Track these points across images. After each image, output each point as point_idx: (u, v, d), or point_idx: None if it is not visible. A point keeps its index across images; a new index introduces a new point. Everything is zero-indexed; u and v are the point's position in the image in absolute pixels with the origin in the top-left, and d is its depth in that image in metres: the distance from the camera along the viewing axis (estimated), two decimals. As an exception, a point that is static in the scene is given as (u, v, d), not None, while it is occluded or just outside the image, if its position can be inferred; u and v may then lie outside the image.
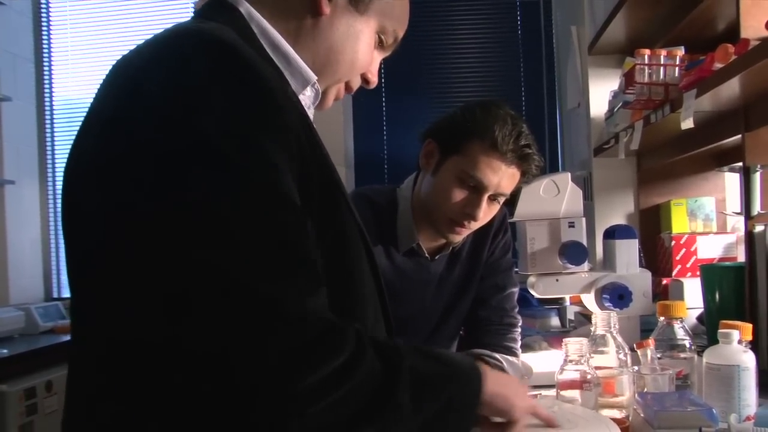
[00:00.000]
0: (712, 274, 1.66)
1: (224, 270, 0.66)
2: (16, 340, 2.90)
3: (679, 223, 2.27)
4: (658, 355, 1.24)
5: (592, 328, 1.26)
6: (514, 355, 1.65)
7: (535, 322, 2.23)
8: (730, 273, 1.61)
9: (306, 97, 0.92)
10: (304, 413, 0.65)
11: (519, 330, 1.70)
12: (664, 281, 2.01)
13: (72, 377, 0.82)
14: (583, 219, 1.67)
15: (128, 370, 0.72)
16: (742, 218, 1.64)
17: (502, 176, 1.44)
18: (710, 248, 2.06)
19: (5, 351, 2.60)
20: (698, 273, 1.74)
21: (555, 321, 2.26)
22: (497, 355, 1.60)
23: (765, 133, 1.54)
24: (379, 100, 3.64)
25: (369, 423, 0.70)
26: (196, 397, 0.67)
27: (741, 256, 1.96)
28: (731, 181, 2.30)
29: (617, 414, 1.15)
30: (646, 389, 1.20)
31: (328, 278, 0.76)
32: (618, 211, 2.53)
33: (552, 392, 1.21)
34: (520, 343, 1.70)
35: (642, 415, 1.14)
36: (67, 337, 2.90)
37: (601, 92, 2.52)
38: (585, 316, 2.10)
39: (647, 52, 1.82)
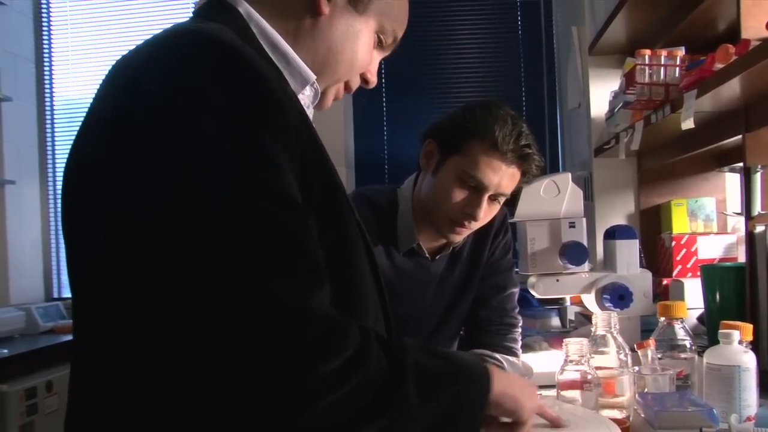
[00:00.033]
0: (712, 274, 1.66)
1: (226, 268, 0.66)
2: (16, 340, 2.90)
3: (680, 223, 2.27)
4: (659, 356, 1.24)
5: (593, 329, 1.26)
6: (515, 355, 1.65)
7: (535, 322, 2.23)
8: (731, 273, 1.61)
9: (305, 97, 0.92)
10: (311, 409, 0.65)
11: (519, 330, 1.70)
12: (665, 281, 2.01)
13: (74, 377, 0.82)
14: (584, 219, 1.67)
15: (129, 370, 0.72)
16: (742, 219, 1.64)
17: (502, 176, 1.44)
18: (711, 248, 2.06)
19: (6, 351, 2.60)
20: (699, 273, 1.74)
21: (555, 321, 2.26)
22: (498, 356, 1.60)
23: (765, 134, 1.54)
24: (379, 100, 3.64)
25: (376, 418, 0.70)
26: (199, 396, 0.67)
27: (741, 257, 1.96)
28: (732, 181, 2.30)
29: (618, 414, 1.15)
30: (646, 389, 1.20)
31: (329, 277, 0.76)
32: (618, 211, 2.53)
33: (552, 392, 1.21)
34: (520, 343, 1.70)
35: (642, 415, 1.15)
36: (68, 337, 2.92)
37: (602, 92, 2.52)
38: (585, 317, 2.10)
39: (648, 52, 1.82)
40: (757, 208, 1.55)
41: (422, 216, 1.56)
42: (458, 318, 1.70)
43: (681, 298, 1.83)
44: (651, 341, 1.25)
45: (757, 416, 1.11)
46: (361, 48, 0.94)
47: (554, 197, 1.65)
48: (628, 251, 1.67)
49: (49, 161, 3.74)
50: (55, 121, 3.77)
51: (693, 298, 1.78)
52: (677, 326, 1.26)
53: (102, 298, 0.74)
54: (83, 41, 3.77)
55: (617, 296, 1.58)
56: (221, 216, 0.67)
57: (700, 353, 1.24)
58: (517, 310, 1.71)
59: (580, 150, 2.88)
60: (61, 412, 0.82)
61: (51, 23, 3.77)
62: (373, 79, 1.01)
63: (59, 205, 0.81)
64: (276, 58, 0.88)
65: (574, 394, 1.15)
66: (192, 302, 0.66)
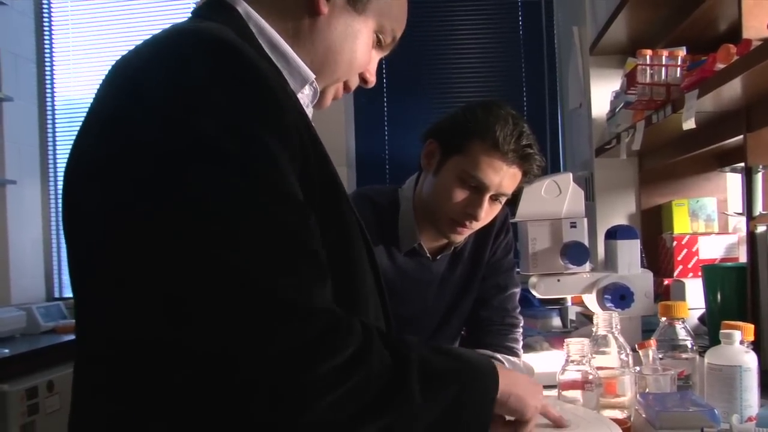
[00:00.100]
0: (713, 274, 1.66)
1: (226, 268, 0.66)
2: (17, 340, 2.91)
3: (681, 223, 2.27)
4: (660, 356, 1.24)
5: (594, 329, 1.25)
6: (516, 355, 1.65)
7: (536, 322, 2.23)
8: (732, 273, 1.61)
9: (304, 96, 0.92)
10: (312, 407, 0.65)
11: (521, 330, 1.70)
12: (666, 282, 2.01)
13: (76, 377, 0.82)
14: (585, 219, 1.67)
15: (129, 370, 0.72)
16: (743, 219, 1.64)
17: (503, 176, 1.44)
18: (712, 249, 2.06)
19: (7, 351, 2.60)
20: (700, 273, 1.74)
21: (556, 321, 2.26)
22: (499, 356, 1.60)
23: (767, 134, 1.54)
24: (380, 100, 3.64)
25: (379, 415, 0.69)
26: (200, 395, 0.67)
27: (743, 257, 1.96)
28: (733, 181, 2.30)
29: (619, 414, 1.15)
30: (647, 390, 1.20)
31: (330, 276, 0.76)
32: (619, 211, 2.53)
33: (553, 393, 1.21)
34: (521, 343, 1.69)
35: (644, 415, 1.14)
36: (69, 337, 2.93)
37: (603, 92, 2.51)
38: (586, 317, 2.10)
39: (649, 52, 1.82)
40: (758, 208, 1.55)
41: (423, 216, 1.56)
42: (459, 318, 1.70)
43: (682, 298, 1.82)
44: (652, 341, 1.25)
45: (759, 416, 1.11)
46: (360, 48, 0.95)
47: (555, 197, 1.65)
48: (629, 251, 1.67)
49: (50, 161, 3.74)
50: (56, 120, 3.77)
51: (694, 298, 1.78)
52: (678, 326, 1.26)
53: (102, 298, 0.74)
54: (84, 41, 3.77)
55: (618, 296, 1.58)
56: (221, 215, 0.67)
57: (702, 353, 1.24)
58: (518, 310, 1.71)
59: (581, 150, 2.88)
60: (62, 412, 0.82)
61: (52, 23, 3.77)
62: (372, 79, 1.01)
63: (60, 204, 0.81)
64: (275, 57, 0.88)
65: (576, 394, 1.15)
66: (192, 302, 0.66)
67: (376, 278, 0.93)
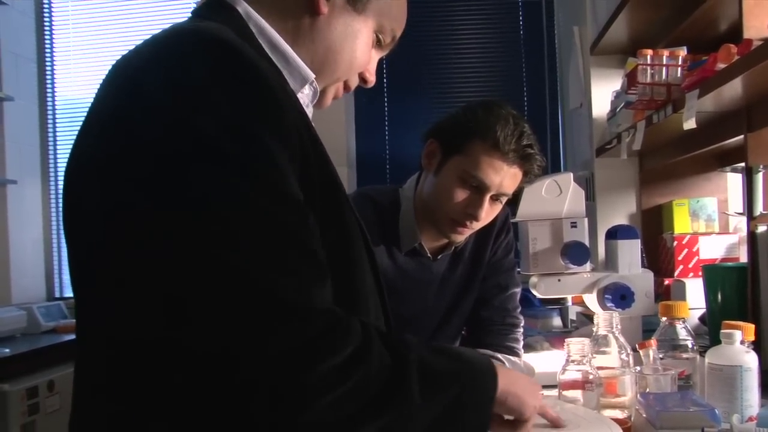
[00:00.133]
0: (714, 274, 1.66)
1: (226, 268, 0.66)
2: (18, 340, 2.91)
3: (682, 223, 2.27)
4: (660, 356, 1.24)
5: (594, 329, 1.25)
6: (517, 355, 1.65)
7: (537, 322, 2.23)
8: (733, 273, 1.60)
9: (304, 96, 0.92)
10: (312, 407, 0.65)
11: (521, 330, 1.70)
12: (666, 281, 2.01)
13: (77, 377, 0.82)
14: (585, 219, 1.67)
15: (129, 370, 0.72)
16: (744, 219, 1.64)
17: (504, 176, 1.44)
18: (712, 249, 2.06)
19: (7, 350, 2.60)
20: (700, 273, 1.74)
21: (557, 321, 2.26)
22: (499, 356, 1.60)
23: (767, 134, 1.53)
24: (381, 100, 3.64)
25: (378, 415, 0.69)
26: (200, 395, 0.67)
27: (743, 257, 1.96)
28: (733, 181, 2.30)
29: (619, 414, 1.15)
30: (648, 389, 1.20)
31: (330, 275, 0.76)
32: (620, 211, 2.53)
33: (554, 392, 1.21)
34: (522, 343, 1.70)
35: (644, 415, 1.14)
36: (69, 337, 2.93)
37: (604, 92, 2.51)
38: (587, 317, 2.10)
39: (650, 52, 1.82)
40: (758, 208, 1.55)
41: (424, 216, 1.56)
42: (460, 318, 1.70)
43: (683, 298, 1.82)
44: (653, 341, 1.25)
45: (759, 416, 1.11)
46: (360, 47, 0.95)
47: (556, 197, 1.65)
48: (630, 251, 1.67)
49: (51, 161, 3.75)
50: (57, 120, 3.77)
51: (695, 298, 1.78)
52: (679, 326, 1.26)
53: (102, 298, 0.74)
54: (84, 41, 3.77)
55: (619, 296, 1.58)
56: (221, 215, 0.67)
57: (702, 353, 1.24)
58: (519, 310, 1.71)
59: (581, 150, 2.88)
60: (62, 412, 0.82)
61: (53, 23, 3.77)
62: (371, 79, 1.01)
63: (61, 204, 0.81)
64: (275, 57, 0.88)
65: (576, 394, 1.15)
66: (192, 302, 0.66)
67: (376, 278, 0.93)
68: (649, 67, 1.80)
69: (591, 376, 1.14)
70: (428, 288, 1.63)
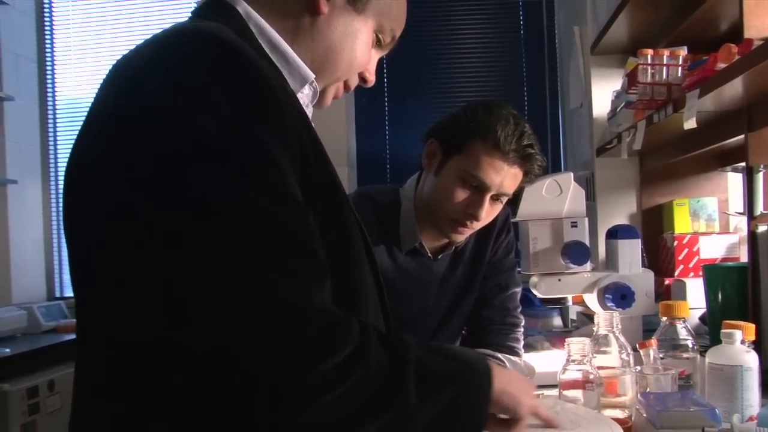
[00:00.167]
0: (714, 274, 1.66)
1: (226, 268, 0.66)
2: (18, 340, 2.91)
3: (682, 223, 2.27)
4: (661, 355, 1.24)
5: (595, 328, 1.25)
6: (517, 355, 1.65)
7: (537, 322, 2.23)
8: (733, 273, 1.60)
9: (304, 96, 0.93)
10: (311, 407, 0.65)
11: (522, 330, 1.70)
12: (667, 281, 2.01)
13: (77, 377, 0.82)
14: (586, 219, 1.67)
15: (129, 370, 0.72)
16: (744, 218, 1.64)
17: (504, 176, 1.44)
18: (713, 248, 2.06)
19: (8, 350, 2.60)
20: (701, 273, 1.74)
21: (557, 321, 2.26)
22: (500, 355, 1.60)
23: (768, 134, 1.54)
24: (381, 100, 3.64)
25: (376, 415, 0.70)
26: (200, 395, 0.67)
27: (744, 257, 1.96)
28: (734, 181, 2.30)
29: (620, 414, 1.15)
30: (648, 389, 1.20)
31: (330, 276, 0.76)
32: (620, 211, 2.53)
33: (554, 392, 1.21)
34: (522, 343, 1.70)
35: (644, 415, 1.14)
36: (70, 337, 2.93)
37: (604, 92, 2.51)
38: (587, 316, 2.10)
39: (650, 52, 1.82)
40: (759, 208, 1.55)
41: (424, 215, 1.56)
42: (460, 317, 1.70)
43: (683, 297, 1.82)
44: (653, 341, 1.25)
45: (760, 416, 1.11)
46: (360, 47, 0.95)
47: (556, 197, 1.65)
48: (630, 251, 1.67)
49: (51, 161, 3.75)
50: (57, 120, 3.77)
51: (695, 297, 1.78)
52: (679, 326, 1.26)
53: (102, 297, 0.74)
54: (85, 41, 3.77)
55: (619, 296, 1.58)
56: (221, 215, 0.67)
57: (702, 353, 1.24)
58: (519, 309, 1.71)
59: (582, 150, 2.88)
60: (62, 412, 0.82)
61: (53, 23, 3.77)
62: (371, 78, 1.01)
63: (61, 204, 0.81)
64: (275, 57, 0.89)
65: (576, 393, 1.15)
66: (192, 302, 0.66)
67: (376, 278, 0.93)
68: (649, 67, 1.80)
69: (591, 376, 1.14)
70: (429, 288, 1.63)
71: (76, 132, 0.80)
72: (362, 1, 0.92)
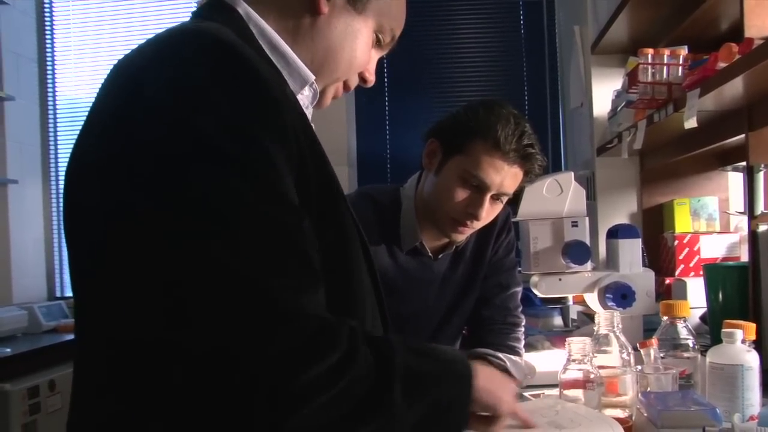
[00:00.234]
0: (715, 273, 1.66)
1: (223, 269, 0.66)
2: (19, 339, 2.91)
3: (682, 222, 2.27)
4: (662, 355, 1.24)
5: (595, 328, 1.25)
6: (518, 354, 1.65)
7: (538, 321, 2.23)
8: (734, 272, 1.60)
9: (304, 97, 0.93)
10: (298, 412, 0.65)
11: (522, 329, 1.70)
12: (667, 281, 2.01)
13: (76, 377, 0.82)
14: (586, 218, 1.67)
15: (129, 370, 0.72)
16: (745, 218, 1.64)
17: (504, 176, 1.44)
18: (713, 248, 2.06)
19: (8, 350, 2.60)
20: (701, 272, 1.74)
21: (558, 320, 2.26)
22: (501, 355, 1.60)
23: (768, 133, 1.54)
24: (381, 100, 3.64)
25: (363, 422, 0.70)
26: (196, 395, 0.67)
27: (744, 256, 1.96)
28: (734, 180, 2.30)
29: (620, 413, 1.15)
30: (649, 389, 1.20)
31: (327, 277, 0.76)
32: (621, 210, 2.53)
33: (555, 392, 1.21)
34: (523, 342, 1.70)
35: (645, 414, 1.14)
36: (70, 336, 2.93)
37: (604, 92, 2.51)
38: (588, 316, 2.10)
39: (650, 51, 1.82)
40: (759, 207, 1.55)
41: (425, 215, 1.56)
42: (461, 317, 1.70)
43: (684, 297, 1.82)
44: (654, 340, 1.25)
45: (760, 415, 1.11)
46: (360, 47, 0.95)
47: (557, 196, 1.65)
48: (631, 250, 1.67)
49: (52, 160, 3.75)
50: (58, 120, 3.78)
51: (696, 297, 1.78)
52: (680, 325, 1.26)
53: (102, 297, 0.75)
54: (85, 40, 3.77)
55: (620, 295, 1.58)
56: (220, 216, 0.67)
57: (703, 352, 1.24)
58: (520, 309, 1.71)
59: (582, 149, 2.88)
60: (63, 411, 0.83)
61: (54, 23, 3.78)
62: (371, 78, 1.01)
63: (62, 204, 0.81)
64: (275, 58, 0.89)
65: (577, 393, 1.15)
66: (189, 302, 0.66)
67: (374, 279, 0.93)
68: (650, 66, 1.80)
69: (592, 376, 1.14)
70: (429, 287, 1.63)
71: (77, 132, 0.80)
72: (362, 1, 0.92)
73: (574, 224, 1.65)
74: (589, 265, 1.66)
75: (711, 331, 1.66)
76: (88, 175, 0.76)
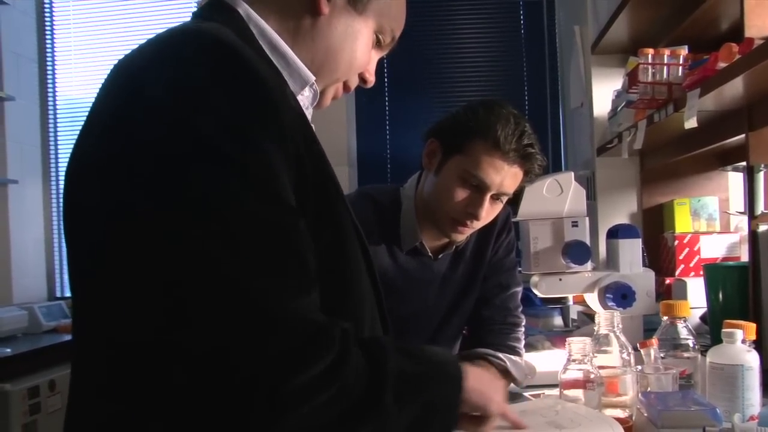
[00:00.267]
0: (715, 273, 1.66)
1: (222, 269, 0.66)
2: (19, 340, 2.91)
3: (683, 222, 2.27)
4: (662, 355, 1.24)
5: (596, 328, 1.26)
6: (518, 354, 1.65)
7: (538, 321, 2.23)
8: (734, 272, 1.60)
9: (304, 98, 0.93)
10: (289, 416, 0.65)
11: (523, 329, 1.70)
12: (668, 281, 2.01)
13: (74, 377, 0.82)
14: (587, 218, 1.67)
15: (127, 370, 0.72)
16: (745, 218, 1.64)
17: (504, 176, 1.44)
18: (713, 248, 2.06)
19: (8, 350, 2.60)
20: (701, 272, 1.74)
21: (558, 320, 2.26)
22: (501, 355, 1.60)
23: (768, 133, 1.54)
24: (381, 100, 3.64)
25: (357, 423, 0.70)
26: (190, 395, 0.68)
27: (744, 256, 1.96)
28: (734, 180, 2.30)
29: (620, 413, 1.15)
30: (649, 389, 1.20)
31: (325, 277, 0.76)
32: (621, 210, 2.53)
33: (555, 392, 1.21)
34: (523, 342, 1.69)
35: (645, 414, 1.14)
36: (70, 337, 2.94)
37: (605, 92, 2.52)
38: (588, 316, 2.10)
39: (651, 51, 1.82)
40: (760, 207, 1.55)
41: (425, 215, 1.56)
42: (461, 317, 1.70)
43: (684, 297, 1.82)
44: (654, 340, 1.25)
45: (761, 415, 1.11)
46: (360, 48, 0.95)
47: (557, 196, 1.65)
48: (631, 250, 1.67)
49: (52, 160, 3.75)
50: (58, 120, 3.78)
51: (696, 297, 1.78)
52: (680, 325, 1.26)
53: (102, 297, 0.74)
54: (86, 41, 3.77)
55: (620, 295, 1.58)
56: (220, 216, 0.67)
57: (703, 352, 1.24)
58: (520, 309, 1.71)
59: (582, 149, 2.88)
60: (63, 412, 0.83)
61: (54, 23, 3.78)
62: (371, 79, 1.01)
63: (62, 204, 0.81)
64: (275, 59, 0.89)
65: (577, 393, 1.15)
66: (189, 303, 0.66)
67: (373, 279, 0.93)
68: (650, 66, 1.80)
69: (592, 376, 1.14)
70: (429, 287, 1.63)
71: (77, 132, 0.80)
72: (363, 2, 0.92)
73: (574, 224, 1.65)
74: (589, 265, 1.66)
75: (711, 331, 1.66)
76: (88, 175, 0.75)
